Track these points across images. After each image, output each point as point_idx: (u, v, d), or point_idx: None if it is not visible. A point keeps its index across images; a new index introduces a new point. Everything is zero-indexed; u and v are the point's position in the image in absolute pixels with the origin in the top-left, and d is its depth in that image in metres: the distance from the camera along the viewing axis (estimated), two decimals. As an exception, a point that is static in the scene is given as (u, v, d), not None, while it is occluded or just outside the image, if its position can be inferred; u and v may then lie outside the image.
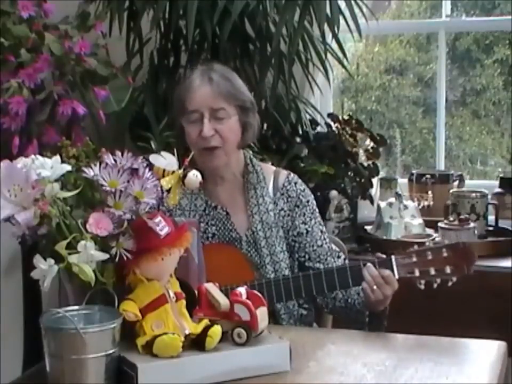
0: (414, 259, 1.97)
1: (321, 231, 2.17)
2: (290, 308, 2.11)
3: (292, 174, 2.21)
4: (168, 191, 1.64)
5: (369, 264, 1.97)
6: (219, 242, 2.11)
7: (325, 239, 2.17)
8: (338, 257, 2.17)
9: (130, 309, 1.50)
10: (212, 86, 2.07)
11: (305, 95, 3.29)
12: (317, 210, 2.20)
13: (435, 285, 1.96)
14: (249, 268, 2.07)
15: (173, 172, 1.62)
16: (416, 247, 2.00)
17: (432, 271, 1.95)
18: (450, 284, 1.96)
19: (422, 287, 1.96)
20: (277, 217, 2.13)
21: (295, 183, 2.18)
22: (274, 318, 2.06)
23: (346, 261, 2.18)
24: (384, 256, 2.02)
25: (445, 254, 1.96)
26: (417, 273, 1.96)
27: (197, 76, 2.10)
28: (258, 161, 2.22)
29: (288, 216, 2.15)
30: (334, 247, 2.20)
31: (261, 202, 2.13)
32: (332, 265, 2.13)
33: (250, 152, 2.23)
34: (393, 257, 1.98)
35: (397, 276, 1.96)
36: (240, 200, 2.15)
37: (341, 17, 2.87)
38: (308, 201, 2.17)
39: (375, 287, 1.94)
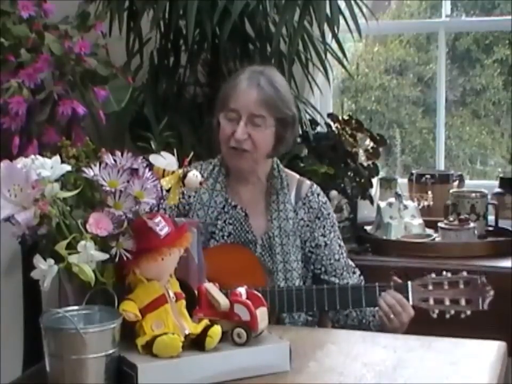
0: (430, 287, 1.97)
1: (340, 245, 2.17)
2: (296, 318, 2.11)
3: (315, 185, 2.21)
4: (168, 191, 1.64)
5: (384, 293, 1.97)
6: (234, 243, 2.11)
7: (342, 253, 2.17)
8: (354, 272, 2.17)
9: (130, 309, 1.50)
10: (258, 92, 2.06)
11: (305, 95, 3.29)
12: (337, 224, 2.20)
13: (448, 316, 1.96)
14: (262, 272, 2.06)
15: (173, 171, 1.62)
16: (433, 275, 2.00)
17: (447, 302, 1.96)
18: (463, 316, 1.96)
19: (435, 316, 1.96)
20: (296, 226, 2.13)
21: (318, 195, 2.18)
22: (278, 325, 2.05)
23: (361, 277, 2.18)
24: (399, 280, 2.02)
25: (462, 286, 1.96)
26: (431, 301, 1.97)
27: (246, 77, 2.09)
28: (284, 168, 2.21)
29: (308, 227, 2.15)
30: (350, 262, 2.20)
31: (282, 209, 2.12)
32: (347, 280, 2.13)
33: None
34: (409, 283, 1.98)
35: (411, 302, 1.97)
36: (261, 203, 2.15)
37: (341, 17, 2.87)
38: (328, 214, 2.17)
39: (392, 315, 1.95)
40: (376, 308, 2.01)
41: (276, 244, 2.10)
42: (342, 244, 2.19)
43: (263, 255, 2.11)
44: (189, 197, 2.13)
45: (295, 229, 2.12)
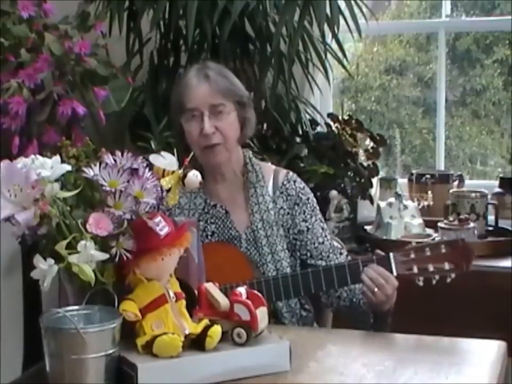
0: (412, 256, 1.97)
1: (322, 228, 2.17)
2: (292, 306, 2.11)
3: (291, 173, 2.21)
4: (168, 191, 1.64)
5: (366, 268, 1.97)
6: (218, 241, 2.12)
7: (326, 236, 2.17)
8: (341, 253, 2.17)
9: (130, 309, 1.51)
10: (210, 84, 2.07)
11: (305, 95, 3.29)
12: (317, 207, 2.20)
13: (434, 282, 1.96)
14: (248, 267, 2.07)
15: (173, 171, 1.62)
16: (414, 243, 2.00)
17: (431, 268, 1.95)
18: (449, 280, 1.95)
19: (421, 283, 1.96)
20: (277, 216, 2.13)
21: (294, 181, 2.18)
22: (276, 317, 2.06)
23: (349, 257, 2.18)
24: (382, 253, 2.02)
25: (444, 251, 1.95)
26: (415, 270, 1.96)
27: (193, 75, 2.11)
28: (258, 161, 2.22)
29: (288, 215, 2.15)
30: (335, 244, 2.20)
31: (261, 201, 2.13)
32: (334, 262, 2.13)
33: (250, 152, 2.23)
34: (391, 254, 1.98)
35: (395, 273, 1.96)
36: (240, 198, 2.15)
37: (341, 17, 2.87)
38: (307, 199, 2.17)
39: (376, 289, 1.94)
40: (362, 284, 2.01)
41: (261, 236, 2.10)
42: (325, 226, 2.19)
43: (249, 249, 2.11)
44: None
45: (276, 218, 2.13)
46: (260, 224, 2.12)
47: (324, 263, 2.12)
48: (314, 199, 2.20)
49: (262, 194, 2.14)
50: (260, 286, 1.97)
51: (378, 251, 2.02)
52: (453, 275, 1.95)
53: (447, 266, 1.94)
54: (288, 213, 2.15)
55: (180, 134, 2.13)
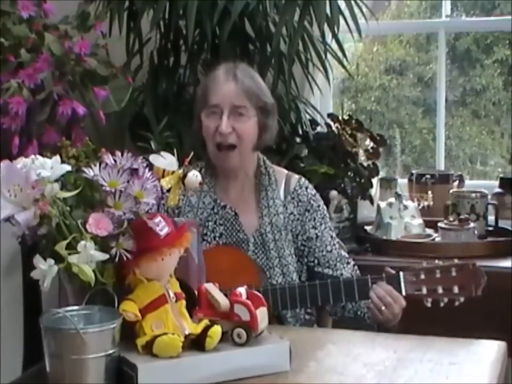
0: (422, 276, 1.97)
1: (331, 237, 2.17)
2: (297, 311, 2.10)
3: (303, 179, 2.21)
4: (168, 191, 1.64)
5: (375, 285, 1.97)
6: (225, 244, 2.11)
7: (334, 244, 2.17)
8: (348, 263, 2.16)
9: (130, 309, 1.51)
10: (237, 83, 2.08)
11: (305, 95, 3.29)
12: (328, 215, 2.20)
13: (442, 304, 1.96)
14: (254, 271, 2.06)
15: (173, 171, 1.62)
16: (425, 264, 1.99)
17: (440, 290, 1.95)
18: (457, 303, 1.96)
19: (429, 305, 1.96)
20: (287, 220, 2.13)
21: (306, 188, 2.18)
22: (280, 321, 2.05)
23: (356, 267, 2.18)
24: (392, 271, 2.02)
25: (454, 274, 1.96)
26: (424, 291, 1.96)
27: (222, 72, 2.11)
28: (271, 164, 2.21)
29: (298, 221, 2.14)
30: (343, 253, 2.19)
31: (271, 205, 2.12)
32: (341, 271, 2.13)
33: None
34: (401, 273, 1.98)
35: (404, 293, 1.96)
36: (250, 200, 2.15)
37: (341, 17, 2.87)
38: (318, 206, 2.17)
39: (383, 307, 1.94)
40: (369, 300, 2.01)
41: (269, 240, 2.10)
42: (334, 235, 2.19)
43: (256, 253, 2.10)
44: (178, 200, 2.13)
45: (285, 223, 2.12)
46: (269, 228, 2.11)
47: (330, 272, 2.12)
48: (325, 207, 2.21)
49: (272, 198, 2.13)
50: (267, 294, 1.96)
51: (389, 269, 2.02)
52: (462, 299, 1.95)
53: (456, 289, 1.95)
54: (298, 219, 2.15)
55: (198, 127, 2.13)
